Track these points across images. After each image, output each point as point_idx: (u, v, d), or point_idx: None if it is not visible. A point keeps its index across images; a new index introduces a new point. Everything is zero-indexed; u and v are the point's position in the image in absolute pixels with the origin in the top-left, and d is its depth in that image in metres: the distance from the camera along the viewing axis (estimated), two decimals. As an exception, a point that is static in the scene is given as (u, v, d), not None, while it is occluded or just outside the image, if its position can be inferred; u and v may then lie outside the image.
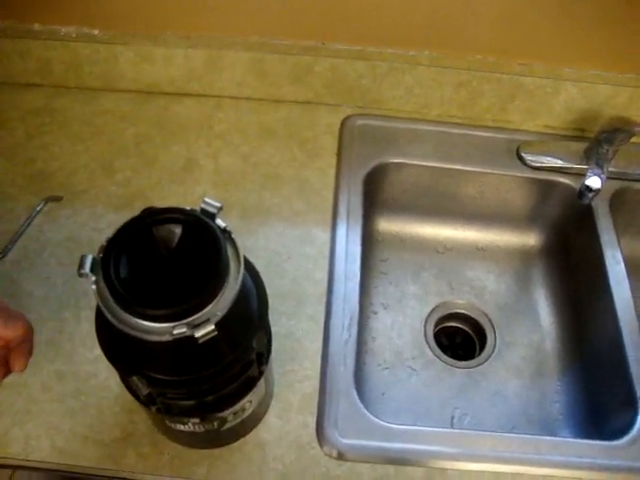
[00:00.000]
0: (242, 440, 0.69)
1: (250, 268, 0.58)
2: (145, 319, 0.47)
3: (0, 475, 1.47)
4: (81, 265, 0.49)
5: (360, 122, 0.94)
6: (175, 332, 0.46)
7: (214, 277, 0.48)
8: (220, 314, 0.47)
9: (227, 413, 0.60)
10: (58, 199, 0.85)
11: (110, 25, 0.89)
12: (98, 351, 0.73)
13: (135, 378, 0.53)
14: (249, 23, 0.87)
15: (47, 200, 0.85)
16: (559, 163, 0.88)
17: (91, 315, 0.76)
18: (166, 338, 0.46)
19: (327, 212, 0.85)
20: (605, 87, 0.88)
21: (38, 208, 0.84)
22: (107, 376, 0.72)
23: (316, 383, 0.72)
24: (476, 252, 0.98)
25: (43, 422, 0.69)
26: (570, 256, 0.93)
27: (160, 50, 0.90)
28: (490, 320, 0.92)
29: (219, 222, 0.52)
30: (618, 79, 0.87)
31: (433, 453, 0.68)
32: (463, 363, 0.89)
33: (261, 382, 0.62)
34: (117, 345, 0.53)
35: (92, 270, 0.49)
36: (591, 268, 0.85)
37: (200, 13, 0.87)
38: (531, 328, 0.91)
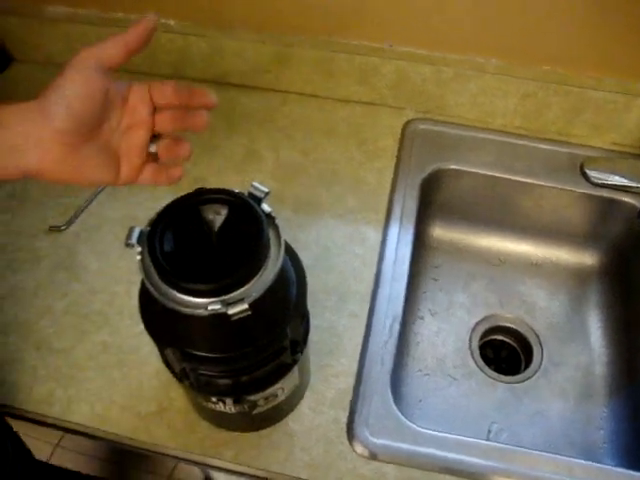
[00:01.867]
0: (272, 427, 0.70)
1: (293, 257, 0.59)
2: (182, 292, 0.48)
3: (48, 436, 1.54)
4: (129, 236, 0.51)
5: (422, 126, 0.93)
6: (209, 308, 0.47)
7: (252, 258, 0.49)
8: (255, 295, 0.48)
9: (258, 397, 0.60)
10: (121, 179, 0.88)
11: (185, 17, 0.92)
12: (143, 327, 0.76)
13: (170, 351, 0.55)
14: (318, 22, 0.89)
15: (111, 179, 0.88)
16: (624, 181, 0.85)
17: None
18: (200, 313, 0.48)
19: (381, 213, 0.85)
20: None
21: (101, 187, 0.87)
22: (149, 351, 0.74)
23: (352, 380, 0.72)
24: (530, 267, 0.95)
25: (85, 388, 0.72)
26: (628, 279, 0.89)
27: (231, 43, 0.92)
28: (538, 337, 0.90)
29: (265, 207, 0.53)
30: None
31: (463, 463, 0.67)
32: (506, 378, 0.87)
33: (294, 371, 0.62)
34: (156, 317, 0.55)
35: (139, 241, 0.51)
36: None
37: (270, 10, 0.88)
38: (580, 349, 0.88)
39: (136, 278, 0.80)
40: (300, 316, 0.60)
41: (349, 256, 0.82)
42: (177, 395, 0.72)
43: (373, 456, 0.67)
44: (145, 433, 0.69)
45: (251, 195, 0.54)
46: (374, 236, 0.83)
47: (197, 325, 0.52)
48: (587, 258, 0.95)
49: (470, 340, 0.90)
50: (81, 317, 0.77)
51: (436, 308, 0.93)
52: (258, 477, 0.70)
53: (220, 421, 0.69)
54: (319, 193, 0.87)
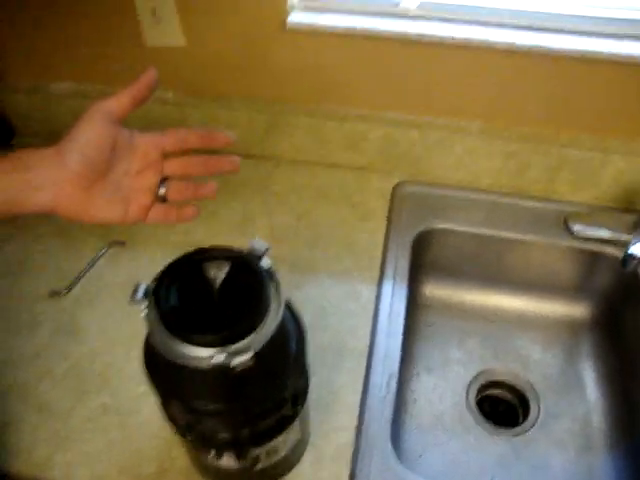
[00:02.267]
0: (272, 486, 0.70)
1: (292, 312, 0.61)
2: (187, 343, 0.50)
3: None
4: (135, 291, 0.53)
5: (410, 189, 0.97)
6: (214, 360, 0.49)
7: (255, 311, 0.52)
8: (257, 347, 0.50)
9: (260, 451, 0.61)
10: (121, 244, 0.91)
11: (181, 88, 0.97)
12: (144, 388, 0.77)
13: (173, 403, 0.56)
14: (308, 91, 0.94)
15: (110, 244, 0.91)
16: (607, 234, 0.89)
17: (140, 354, 0.80)
18: (205, 365, 0.49)
19: (374, 271, 0.88)
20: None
21: (102, 251, 0.90)
22: (150, 413, 0.75)
23: (351, 435, 0.73)
24: (522, 321, 0.97)
25: (84, 451, 0.72)
26: (619, 329, 0.91)
27: (225, 113, 0.97)
28: (534, 390, 0.91)
29: (265, 262, 0.56)
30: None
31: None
32: (504, 431, 0.87)
33: (295, 425, 0.63)
34: (160, 370, 0.56)
35: (144, 297, 0.53)
36: (640, 342, 0.84)
37: (262, 81, 0.94)
38: (577, 401, 0.89)
39: (136, 341, 0.81)
40: (300, 369, 0.61)
41: (344, 314, 0.83)
42: (179, 454, 0.72)
43: (376, 511, 0.67)
44: (146, 495, 0.69)
45: (251, 251, 0.56)
46: (368, 294, 0.85)
47: (201, 377, 0.53)
48: (578, 310, 0.97)
49: (467, 395, 0.91)
50: (81, 379, 0.78)
51: (431, 365, 0.94)
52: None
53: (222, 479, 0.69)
54: (314, 254, 0.90)
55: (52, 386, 0.77)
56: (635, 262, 0.77)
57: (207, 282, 0.55)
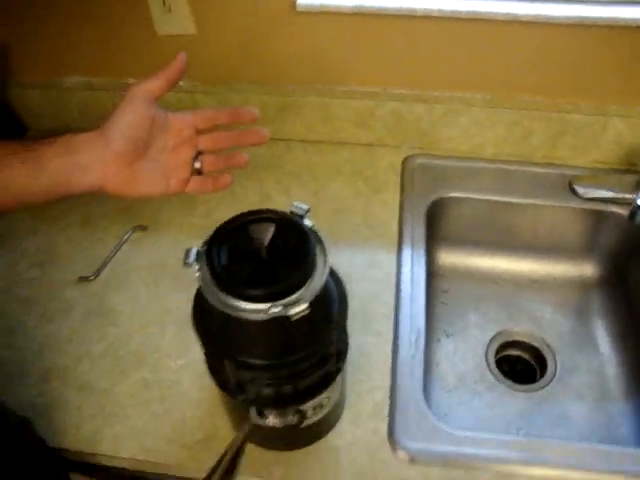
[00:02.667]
0: (316, 444, 0.72)
1: (333, 272, 0.64)
2: (244, 299, 0.53)
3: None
4: (187, 256, 0.56)
5: (419, 161, 1.01)
6: (271, 311, 0.52)
7: (304, 265, 0.54)
8: (310, 298, 0.53)
9: (307, 406, 0.64)
10: (144, 228, 0.93)
11: (192, 77, 1.00)
12: (181, 361, 0.80)
13: (227, 362, 0.59)
14: (317, 72, 0.97)
15: (134, 229, 0.93)
16: (611, 194, 0.93)
17: (174, 330, 0.83)
18: (262, 317, 0.52)
19: (392, 240, 0.91)
20: (652, 122, 0.93)
21: (126, 236, 0.92)
22: (190, 384, 0.77)
23: (385, 393, 0.76)
24: (533, 283, 1.01)
25: (130, 424, 0.74)
26: (626, 284, 0.95)
27: (237, 97, 1.00)
28: (550, 347, 0.94)
29: (307, 222, 0.59)
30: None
31: (501, 458, 0.70)
32: (525, 387, 0.91)
33: (338, 381, 0.66)
34: (212, 332, 0.58)
35: (196, 260, 0.56)
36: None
37: (272, 64, 0.97)
38: (591, 354, 0.93)
39: (168, 319, 0.85)
40: (344, 325, 0.64)
41: (368, 281, 0.87)
42: (222, 423, 0.74)
43: (415, 461, 0.70)
44: (193, 462, 0.71)
45: (293, 213, 0.59)
46: (389, 261, 0.89)
47: (255, 332, 0.56)
48: (586, 270, 1.01)
49: (486, 356, 0.94)
50: (119, 358, 0.80)
51: (450, 330, 0.97)
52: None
53: (268, 440, 0.71)
54: (333, 227, 0.93)
55: (90, 366, 0.79)
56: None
57: (254, 242, 0.58)
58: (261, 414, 0.64)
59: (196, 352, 0.80)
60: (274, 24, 0.91)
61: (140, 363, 0.80)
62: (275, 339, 0.57)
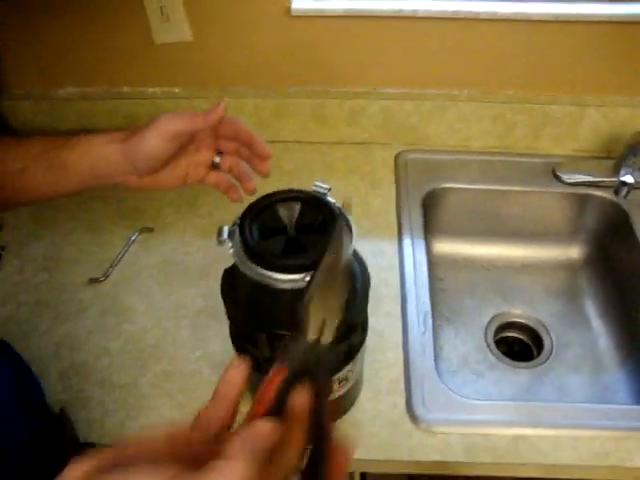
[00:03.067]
0: (339, 421, 0.75)
1: (355, 253, 0.68)
2: (280, 271, 0.55)
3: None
4: (219, 234, 0.59)
5: (411, 156, 1.06)
6: (307, 279, 0.55)
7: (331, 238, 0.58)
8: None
9: (334, 379, 0.66)
10: (150, 230, 0.95)
11: (189, 83, 1.03)
12: (200, 352, 0.82)
13: (259, 335, 0.61)
14: (310, 75, 1.01)
15: (141, 231, 0.95)
16: (592, 178, 0.99)
17: (189, 323, 0.85)
18: (299, 286, 0.55)
19: (392, 230, 0.95)
20: (625, 110, 1.00)
21: (133, 237, 0.94)
22: (210, 373, 0.79)
23: (400, 369, 0.79)
24: (525, 267, 1.06)
25: (155, 414, 0.76)
26: (611, 263, 1.01)
27: (232, 101, 1.03)
28: (544, 326, 0.99)
29: (330, 199, 0.63)
30: (636, 102, 1.00)
31: (514, 422, 0.74)
32: (525, 364, 0.95)
33: (361, 353, 0.69)
34: (243, 308, 0.61)
35: (229, 237, 0.59)
36: (633, 267, 0.94)
37: (266, 67, 1.01)
38: (584, 330, 0.98)
39: (182, 313, 0.86)
40: (367, 301, 0.67)
41: (373, 268, 0.88)
42: (246, 409, 0.76)
43: (435, 430, 0.73)
44: (220, 446, 0.73)
45: (315, 192, 0.63)
46: (391, 249, 0.93)
47: (285, 305, 0.59)
48: (573, 252, 1.07)
49: (486, 337, 0.98)
50: (137, 353, 0.81)
51: (449, 315, 1.01)
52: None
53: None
54: (335, 221, 0.97)
55: (110, 362, 0.81)
56: (626, 188, 0.88)
57: (283, 220, 0.61)
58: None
59: (213, 343, 0.83)
60: (269, 29, 0.96)
61: (159, 356, 0.81)
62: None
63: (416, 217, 0.96)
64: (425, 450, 0.72)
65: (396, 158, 1.06)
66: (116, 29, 0.98)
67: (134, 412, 0.76)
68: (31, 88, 1.05)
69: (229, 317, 0.64)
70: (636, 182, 0.92)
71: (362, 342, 0.68)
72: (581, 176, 1.00)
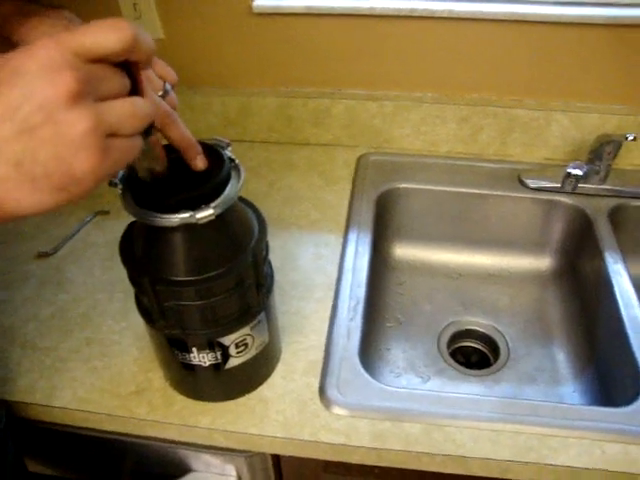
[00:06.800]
0: (247, 396, 0.73)
1: (254, 209, 0.68)
2: (158, 210, 0.56)
3: None
4: (114, 176, 0.60)
5: (374, 158, 1.05)
6: (181, 216, 0.55)
7: (216, 181, 0.58)
8: (219, 210, 0.56)
9: (230, 341, 0.65)
10: (106, 213, 0.97)
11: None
12: (125, 324, 0.82)
13: (145, 281, 0.61)
14: (274, 74, 1.03)
15: (96, 213, 0.97)
16: (556, 185, 0.96)
17: (122, 297, 0.85)
18: (173, 223, 0.55)
19: (341, 222, 0.94)
20: (593, 116, 0.97)
21: (88, 219, 0.96)
22: (129, 344, 0.79)
23: (321, 353, 0.77)
24: (488, 274, 1.02)
25: (68, 377, 0.76)
26: (576, 273, 0.97)
27: (199, 99, 1.06)
28: (503, 335, 0.95)
29: (227, 153, 0.63)
30: (605, 109, 0.97)
31: (432, 413, 0.70)
32: (476, 372, 0.90)
33: (262, 321, 0.67)
34: (134, 257, 0.62)
35: (121, 181, 0.60)
36: (595, 278, 0.89)
37: (234, 67, 1.03)
38: (543, 342, 0.93)
39: (118, 286, 0.87)
40: (263, 257, 0.66)
41: (314, 257, 0.89)
42: (155, 376, 0.75)
43: (344, 413, 0.70)
44: (125, 410, 0.72)
45: (215, 144, 0.64)
46: (336, 240, 0.91)
47: (171, 250, 0.59)
48: (540, 262, 1.03)
49: (439, 343, 0.94)
50: (65, 320, 0.82)
51: (402, 318, 0.98)
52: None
53: (195, 388, 0.72)
54: (284, 212, 0.97)
55: (36, 327, 0.82)
56: (570, 180, 0.86)
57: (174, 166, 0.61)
58: (185, 349, 0.65)
59: (140, 317, 0.83)
60: (233, 27, 0.99)
61: (85, 324, 0.82)
62: (190, 255, 0.59)
63: (367, 213, 0.95)
64: (330, 433, 0.69)
65: (359, 159, 1.06)
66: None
67: (47, 374, 0.76)
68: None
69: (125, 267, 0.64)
70: (585, 175, 0.89)
71: (260, 305, 0.66)
72: (545, 182, 0.97)
